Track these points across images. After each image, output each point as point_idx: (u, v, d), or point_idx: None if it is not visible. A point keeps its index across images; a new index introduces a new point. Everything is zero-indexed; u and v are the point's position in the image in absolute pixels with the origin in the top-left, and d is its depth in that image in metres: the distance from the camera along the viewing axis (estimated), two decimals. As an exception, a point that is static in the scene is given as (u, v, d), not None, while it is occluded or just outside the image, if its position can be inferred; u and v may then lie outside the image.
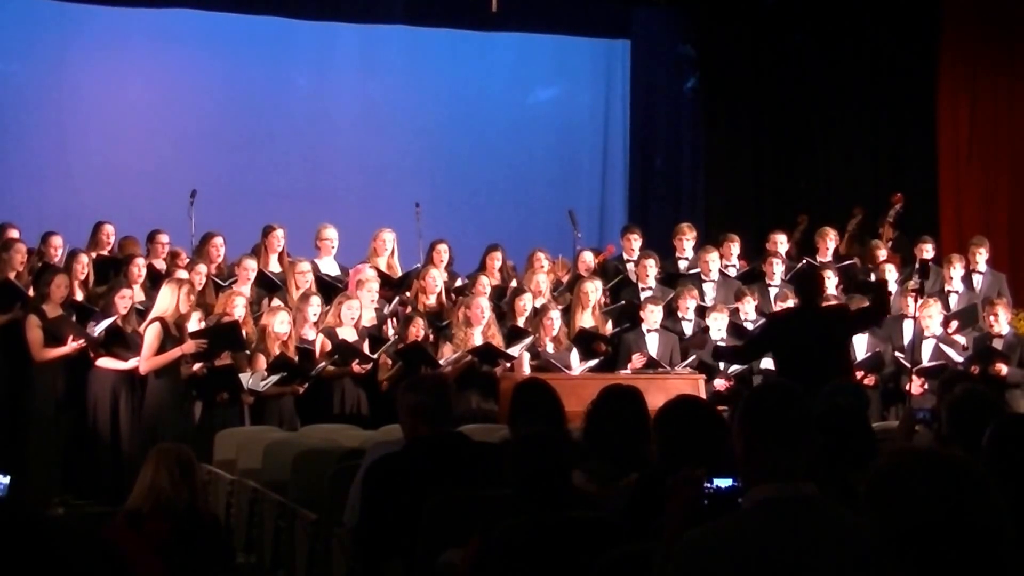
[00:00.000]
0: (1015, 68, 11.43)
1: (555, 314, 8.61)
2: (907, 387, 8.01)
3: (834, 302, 8.59)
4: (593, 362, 8.46)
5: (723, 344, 8.38)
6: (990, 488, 1.85)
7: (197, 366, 7.75)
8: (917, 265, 8.46)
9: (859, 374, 8.45)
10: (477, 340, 8.31)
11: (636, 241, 9.84)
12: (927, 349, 8.65)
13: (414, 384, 4.41)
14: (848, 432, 3.81)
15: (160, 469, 4.07)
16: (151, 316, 7.64)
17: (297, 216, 9.70)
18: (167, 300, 7.61)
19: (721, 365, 8.64)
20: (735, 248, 9.84)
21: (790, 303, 8.58)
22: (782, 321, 7.68)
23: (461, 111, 11.78)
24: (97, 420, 7.75)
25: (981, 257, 9.59)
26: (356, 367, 8.13)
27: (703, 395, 7.83)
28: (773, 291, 9.31)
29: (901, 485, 1.86)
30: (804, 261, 9.75)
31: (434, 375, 6.27)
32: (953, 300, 9.31)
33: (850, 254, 10.23)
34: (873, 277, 9.58)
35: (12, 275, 7.99)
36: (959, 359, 8.53)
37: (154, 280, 8.37)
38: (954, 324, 8.96)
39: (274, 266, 9.00)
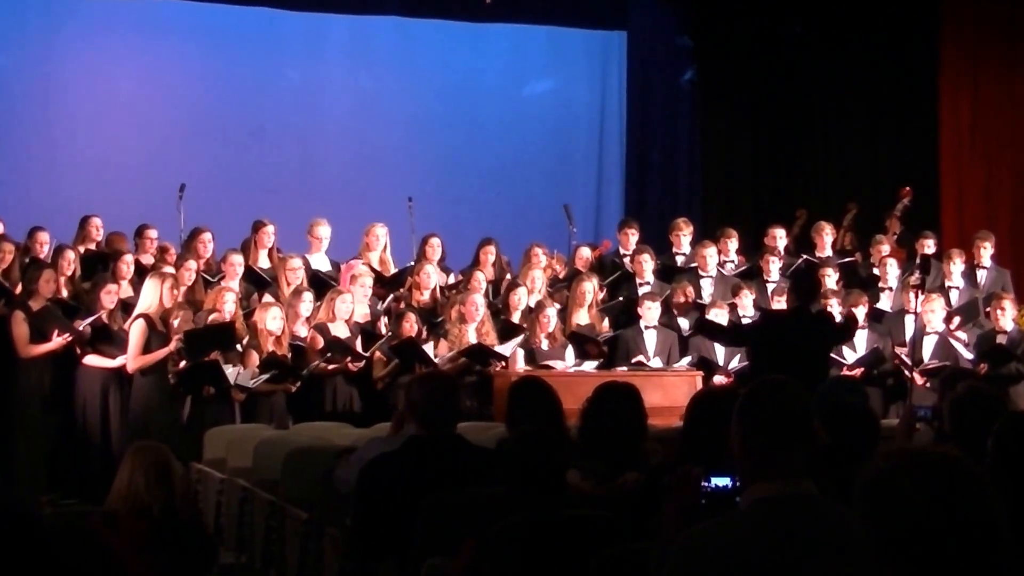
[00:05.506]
0: (1017, 60, 11.37)
1: (551, 311, 8.55)
2: (908, 384, 7.94)
3: (833, 300, 8.56)
4: (591, 364, 8.39)
5: (711, 320, 8.33)
6: (986, 487, 1.82)
7: (183, 363, 7.67)
8: (918, 260, 8.40)
9: (859, 371, 8.42)
10: (471, 337, 8.26)
11: (633, 236, 9.78)
12: (928, 345, 8.59)
13: (420, 382, 4.36)
14: (854, 430, 3.77)
15: (136, 469, 4.02)
16: (135, 313, 7.58)
17: (288, 211, 9.65)
18: (151, 295, 7.55)
19: (720, 356, 8.59)
20: (732, 243, 9.78)
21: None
22: (776, 321, 7.64)
23: (454, 104, 11.71)
24: (86, 418, 7.71)
25: (986, 252, 9.49)
26: (349, 364, 8.05)
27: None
28: (771, 287, 9.25)
29: (895, 487, 1.83)
30: (802, 258, 9.68)
31: (443, 375, 6.22)
32: (954, 296, 9.24)
33: (849, 249, 10.17)
34: (876, 272, 9.54)
35: (-2, 271, 7.94)
36: (969, 356, 8.48)
37: (142, 276, 8.30)
38: (956, 320, 8.90)
39: (264, 262, 8.92)
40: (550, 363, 8.26)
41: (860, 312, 8.71)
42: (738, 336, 7.96)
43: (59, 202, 9.84)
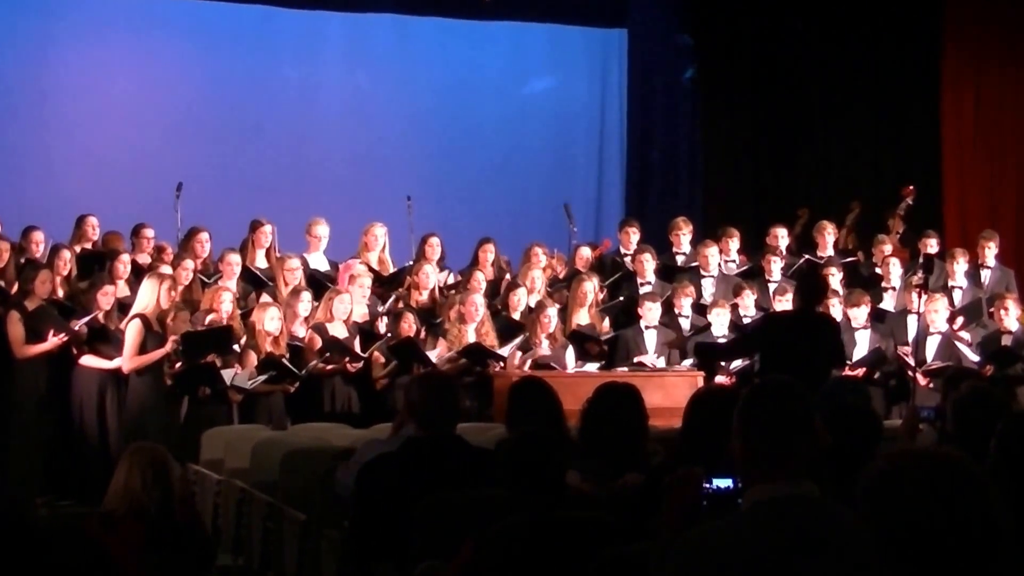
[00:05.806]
0: (1019, 58, 11.34)
1: (552, 311, 8.51)
2: (911, 384, 7.90)
3: (835, 300, 8.52)
4: (593, 365, 8.34)
5: (706, 341, 8.29)
6: (987, 488, 1.83)
7: (179, 365, 7.64)
8: (921, 260, 8.36)
9: (861, 371, 8.39)
10: (471, 338, 8.23)
11: (634, 235, 9.74)
12: (932, 345, 8.54)
13: (419, 382, 4.33)
14: (855, 431, 3.74)
15: (133, 470, 4.00)
16: (132, 313, 7.55)
17: (286, 210, 9.61)
18: (148, 296, 7.51)
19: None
20: (734, 243, 9.74)
21: (789, 297, 8.49)
22: (779, 322, 7.60)
23: (453, 102, 11.66)
24: (83, 419, 7.68)
25: (990, 251, 9.41)
26: (348, 365, 8.01)
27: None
28: (772, 287, 9.21)
29: (896, 487, 1.84)
30: (804, 258, 9.64)
31: (442, 375, 6.19)
32: (957, 296, 9.20)
33: (851, 249, 10.13)
34: (878, 272, 9.50)
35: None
36: (973, 356, 8.43)
37: (139, 275, 8.27)
38: (959, 320, 8.85)
39: (261, 262, 8.88)
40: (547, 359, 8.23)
41: (862, 312, 8.67)
42: (741, 345, 7.92)
43: (55, 201, 9.79)
